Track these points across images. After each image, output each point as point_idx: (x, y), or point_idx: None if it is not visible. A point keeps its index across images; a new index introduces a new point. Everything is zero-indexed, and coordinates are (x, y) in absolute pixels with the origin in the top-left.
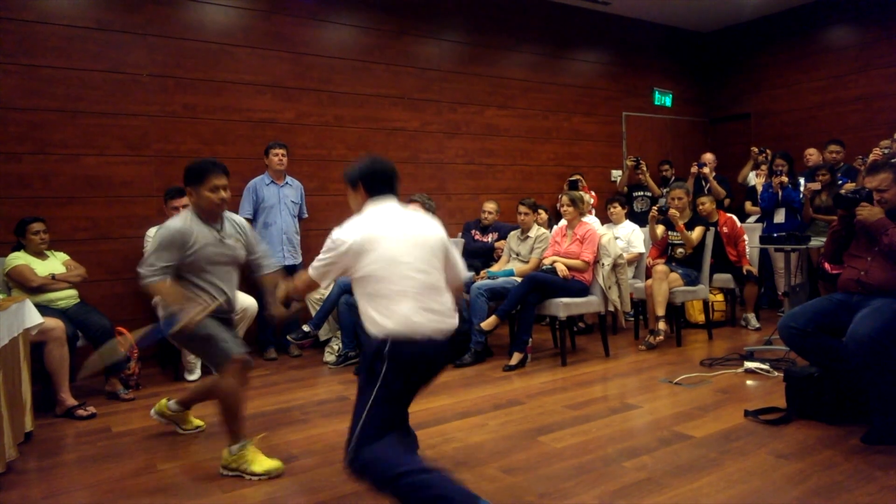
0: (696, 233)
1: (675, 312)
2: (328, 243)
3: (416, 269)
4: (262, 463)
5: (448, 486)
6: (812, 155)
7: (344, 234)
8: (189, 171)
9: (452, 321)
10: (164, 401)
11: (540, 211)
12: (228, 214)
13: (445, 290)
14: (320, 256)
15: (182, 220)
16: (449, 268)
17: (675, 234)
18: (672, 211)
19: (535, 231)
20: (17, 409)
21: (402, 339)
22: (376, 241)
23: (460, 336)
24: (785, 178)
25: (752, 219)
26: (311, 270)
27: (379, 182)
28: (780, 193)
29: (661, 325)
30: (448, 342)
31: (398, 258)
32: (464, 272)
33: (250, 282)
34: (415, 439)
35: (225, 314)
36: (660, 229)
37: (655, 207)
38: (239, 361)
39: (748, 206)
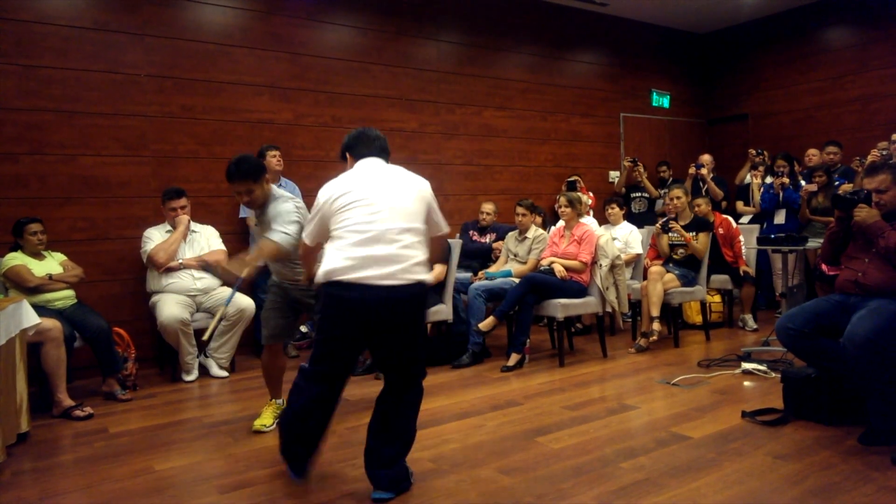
0: (703, 241)
1: (673, 313)
2: None
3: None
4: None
5: None
6: (814, 156)
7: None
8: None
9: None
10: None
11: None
12: (280, 197)
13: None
14: None
15: None
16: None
17: (674, 235)
18: (677, 227)
19: (533, 232)
20: (10, 411)
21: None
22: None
23: (458, 337)
24: (786, 179)
25: (745, 219)
26: None
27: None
28: (780, 194)
29: (656, 326)
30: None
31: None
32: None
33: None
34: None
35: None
36: (664, 240)
37: (658, 226)
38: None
39: (740, 205)
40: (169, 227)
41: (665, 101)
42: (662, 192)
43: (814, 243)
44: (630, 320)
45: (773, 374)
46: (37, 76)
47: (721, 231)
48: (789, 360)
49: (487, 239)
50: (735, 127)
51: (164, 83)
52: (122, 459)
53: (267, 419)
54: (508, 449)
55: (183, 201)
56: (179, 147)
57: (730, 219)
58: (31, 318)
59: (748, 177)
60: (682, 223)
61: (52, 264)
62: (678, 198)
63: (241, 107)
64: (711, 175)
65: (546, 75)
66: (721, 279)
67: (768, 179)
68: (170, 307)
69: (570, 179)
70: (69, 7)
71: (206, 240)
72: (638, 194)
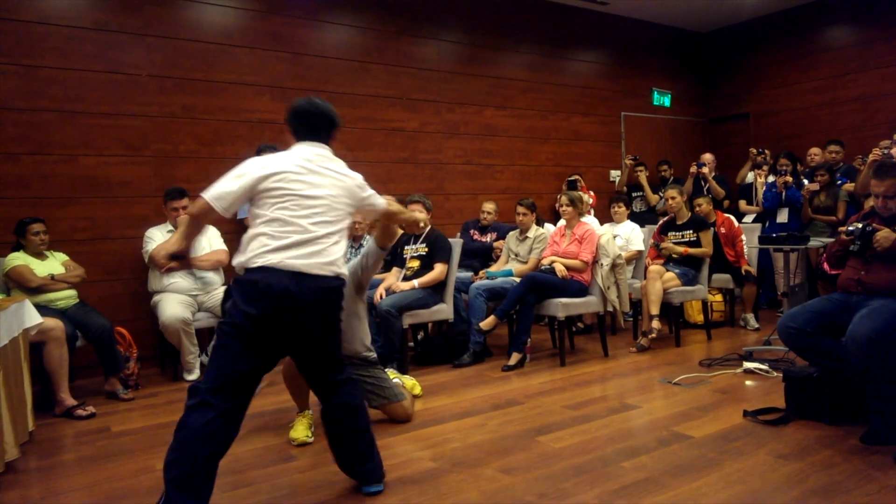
0: (704, 240)
1: (674, 312)
2: None
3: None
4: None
5: None
6: (817, 155)
7: None
8: None
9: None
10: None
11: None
12: None
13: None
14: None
15: None
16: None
17: (674, 233)
18: (668, 245)
19: (534, 231)
20: (20, 408)
21: None
22: None
23: (459, 336)
24: (789, 178)
25: (748, 218)
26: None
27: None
28: (783, 193)
29: (655, 324)
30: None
31: None
32: None
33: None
34: None
35: None
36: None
37: (656, 230)
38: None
39: (742, 205)
40: (171, 227)
41: (666, 100)
42: (662, 191)
43: (816, 242)
44: (631, 319)
45: (775, 374)
46: (38, 76)
47: (723, 230)
48: (791, 360)
49: (488, 238)
50: (736, 126)
51: (166, 83)
52: (124, 458)
53: (303, 431)
54: (509, 448)
55: (185, 201)
56: (181, 147)
57: (732, 218)
58: (33, 317)
59: (750, 175)
60: (679, 223)
61: (54, 264)
62: (673, 198)
63: (243, 107)
64: (713, 174)
65: (547, 74)
66: (723, 278)
67: (771, 178)
68: (171, 307)
69: (570, 178)
70: (70, 7)
71: (208, 240)
72: (639, 194)
